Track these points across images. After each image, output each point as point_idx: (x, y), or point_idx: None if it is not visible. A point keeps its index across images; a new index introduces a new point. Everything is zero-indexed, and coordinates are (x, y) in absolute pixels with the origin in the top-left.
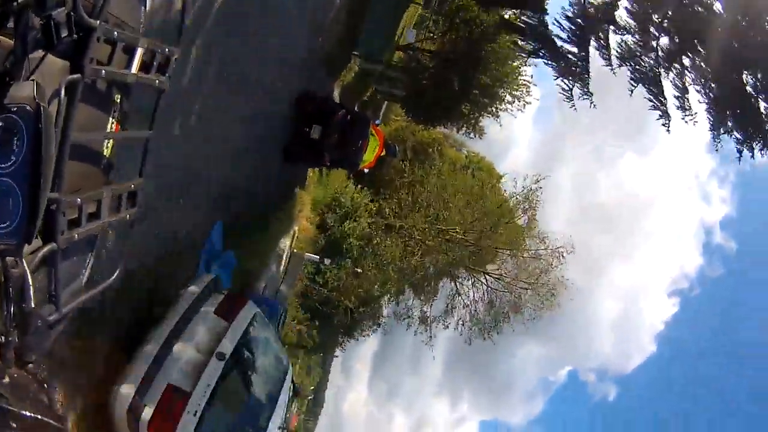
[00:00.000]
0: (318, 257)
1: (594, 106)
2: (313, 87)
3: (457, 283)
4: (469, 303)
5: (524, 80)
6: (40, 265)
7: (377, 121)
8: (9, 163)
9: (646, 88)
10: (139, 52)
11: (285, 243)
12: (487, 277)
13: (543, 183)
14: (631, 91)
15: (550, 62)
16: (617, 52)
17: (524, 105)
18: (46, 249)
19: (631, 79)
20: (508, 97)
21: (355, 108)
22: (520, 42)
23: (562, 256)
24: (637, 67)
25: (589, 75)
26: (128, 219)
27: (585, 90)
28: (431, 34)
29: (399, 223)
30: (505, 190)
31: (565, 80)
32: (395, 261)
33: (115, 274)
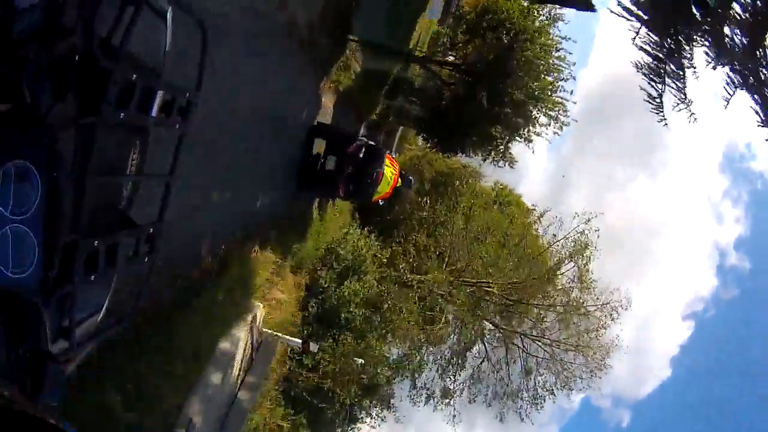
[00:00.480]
0: (300, 341)
1: (694, 118)
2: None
3: (486, 345)
4: (500, 370)
5: (560, 98)
6: (57, 305)
7: (393, 153)
8: (24, 211)
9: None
10: (159, 95)
11: (238, 334)
12: (525, 338)
13: (595, 222)
14: (728, 100)
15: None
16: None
17: (561, 127)
18: (62, 290)
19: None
20: (543, 118)
21: (362, 129)
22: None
23: (616, 312)
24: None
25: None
26: (146, 263)
27: (682, 95)
28: (450, 45)
29: (417, 279)
30: (540, 231)
31: (654, 82)
32: (413, 334)
33: (124, 321)
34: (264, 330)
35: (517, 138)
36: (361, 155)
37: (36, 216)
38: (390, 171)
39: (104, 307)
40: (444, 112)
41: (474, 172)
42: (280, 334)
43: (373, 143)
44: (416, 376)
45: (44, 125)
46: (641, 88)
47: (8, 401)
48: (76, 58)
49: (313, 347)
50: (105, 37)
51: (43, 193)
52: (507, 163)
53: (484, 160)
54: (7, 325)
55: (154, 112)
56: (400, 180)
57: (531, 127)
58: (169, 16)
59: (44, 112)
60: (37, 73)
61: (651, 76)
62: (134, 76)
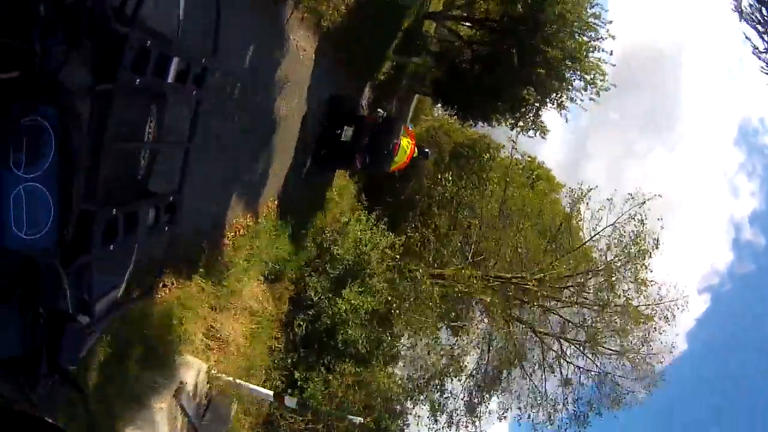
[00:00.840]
0: (271, 394)
1: None
2: None
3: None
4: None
5: (597, 59)
6: (76, 276)
7: (408, 124)
8: (39, 168)
9: None
10: (175, 62)
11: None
12: (565, 342)
13: (652, 205)
14: None
15: None
16: None
17: (598, 92)
18: (81, 260)
19: None
20: (578, 82)
21: (366, 91)
22: None
23: (672, 313)
24: None
25: None
26: (166, 232)
27: None
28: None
29: (438, 273)
30: (584, 213)
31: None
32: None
33: (153, 291)
34: (214, 386)
35: (549, 103)
36: (377, 126)
37: (50, 174)
38: (406, 141)
39: (125, 279)
40: (464, 74)
41: (494, 143)
42: (241, 383)
43: (390, 115)
44: (436, 410)
45: (58, 85)
46: (746, 38)
47: (8, 401)
48: (88, 14)
49: (290, 402)
50: (119, 5)
51: (57, 151)
52: (538, 132)
53: (512, 128)
54: (24, 289)
55: (170, 78)
56: (417, 151)
57: (566, 92)
58: None
59: (56, 67)
60: (48, 27)
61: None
62: (149, 42)
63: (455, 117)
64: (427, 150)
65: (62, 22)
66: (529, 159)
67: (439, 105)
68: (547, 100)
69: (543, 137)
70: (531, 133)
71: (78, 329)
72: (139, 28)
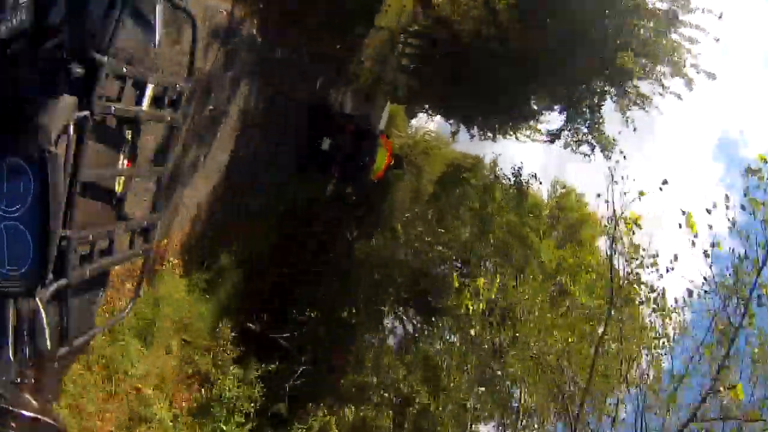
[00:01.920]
0: None
1: None
2: None
3: None
4: None
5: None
6: (52, 300)
7: (384, 133)
8: (17, 207)
9: None
10: (150, 87)
11: None
12: None
13: None
14: None
15: None
16: None
17: (691, 83)
18: (57, 285)
19: None
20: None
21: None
22: None
23: None
24: None
25: None
26: (141, 254)
27: None
28: None
29: None
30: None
31: None
32: None
33: (127, 310)
34: None
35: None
36: (356, 137)
37: (30, 212)
38: (384, 151)
39: (100, 299)
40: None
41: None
42: None
43: (368, 126)
44: None
45: (35, 123)
46: None
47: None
48: (64, 55)
49: None
50: (94, 32)
51: (36, 189)
52: (604, 149)
53: (554, 140)
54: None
55: (145, 104)
56: (393, 160)
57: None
58: (158, 9)
59: (36, 111)
60: (27, 68)
61: None
62: (124, 69)
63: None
64: (401, 158)
65: (39, 76)
66: (562, 190)
67: (420, 116)
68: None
69: (607, 155)
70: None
71: (56, 370)
72: (114, 56)
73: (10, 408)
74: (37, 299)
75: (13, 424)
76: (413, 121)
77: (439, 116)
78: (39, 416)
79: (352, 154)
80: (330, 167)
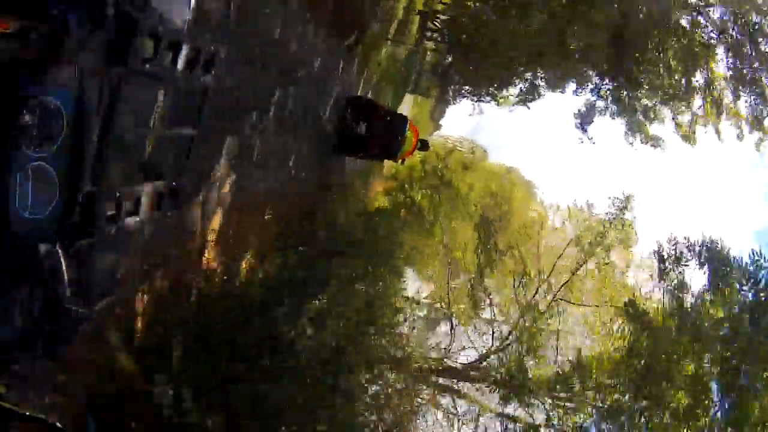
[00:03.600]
0: None
1: None
2: None
3: None
4: None
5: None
6: (77, 259)
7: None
8: (48, 148)
9: None
10: (185, 49)
11: None
12: None
13: None
14: None
15: None
16: None
17: None
18: (82, 242)
19: None
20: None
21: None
22: None
23: None
24: None
25: None
26: (168, 217)
27: None
28: None
29: None
30: None
31: None
32: None
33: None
34: None
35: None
36: (387, 122)
37: (59, 155)
38: (410, 134)
39: (123, 263)
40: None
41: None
42: None
43: (395, 112)
44: None
45: (74, 66)
46: None
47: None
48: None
49: None
50: None
51: (67, 133)
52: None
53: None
54: (25, 274)
55: (180, 65)
56: (419, 143)
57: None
58: None
59: (75, 49)
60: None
61: None
62: (160, 29)
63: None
64: (427, 141)
65: (79, 15)
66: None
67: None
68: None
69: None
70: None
71: (73, 318)
72: (151, 15)
73: (10, 408)
74: (58, 248)
75: (13, 424)
76: (441, 124)
77: (468, 97)
78: (38, 416)
79: (383, 135)
80: (366, 148)
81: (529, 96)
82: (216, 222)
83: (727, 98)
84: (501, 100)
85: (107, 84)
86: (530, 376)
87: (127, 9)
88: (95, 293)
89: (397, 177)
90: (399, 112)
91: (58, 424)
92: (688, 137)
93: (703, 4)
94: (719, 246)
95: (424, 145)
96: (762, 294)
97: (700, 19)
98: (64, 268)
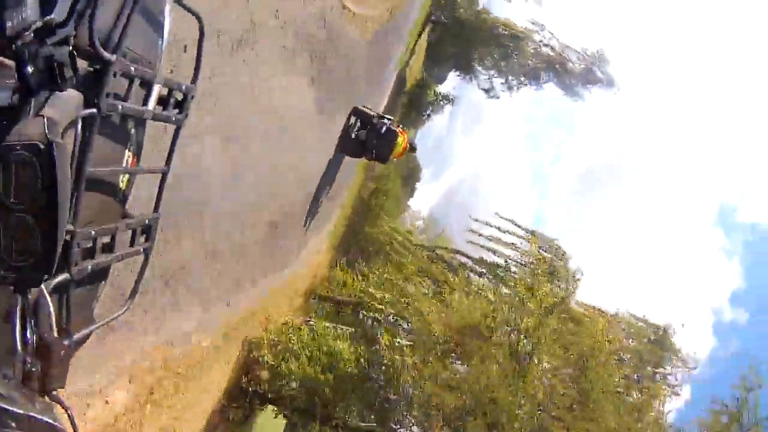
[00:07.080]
0: None
1: None
2: None
3: None
4: None
5: None
6: (53, 295)
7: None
8: (24, 199)
9: None
10: (156, 87)
11: None
12: None
13: None
14: None
15: None
16: None
17: None
18: (59, 279)
19: None
20: None
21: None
22: None
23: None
24: None
25: None
26: (142, 252)
27: None
28: None
29: None
30: None
31: None
32: None
33: (126, 306)
34: None
35: None
36: (382, 131)
37: (37, 204)
38: (401, 138)
39: (100, 295)
40: None
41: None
42: None
43: (390, 120)
44: None
45: (42, 116)
46: None
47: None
48: (72, 50)
49: None
50: (103, 30)
51: (44, 181)
52: None
53: None
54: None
55: (151, 104)
56: (408, 145)
57: None
58: (167, 10)
59: (42, 104)
60: (33, 64)
61: None
62: (132, 68)
63: None
64: (415, 143)
65: (46, 71)
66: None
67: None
68: None
69: None
70: None
71: (63, 358)
72: (124, 55)
73: (9, 408)
74: (43, 288)
75: (13, 424)
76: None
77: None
78: (38, 416)
79: (381, 140)
80: (365, 150)
81: None
82: None
83: None
84: None
85: (81, 126)
86: None
87: (100, 50)
88: (72, 326)
89: None
90: (391, 121)
91: (56, 424)
92: None
93: None
94: None
95: (412, 147)
96: None
97: None
98: (51, 309)
